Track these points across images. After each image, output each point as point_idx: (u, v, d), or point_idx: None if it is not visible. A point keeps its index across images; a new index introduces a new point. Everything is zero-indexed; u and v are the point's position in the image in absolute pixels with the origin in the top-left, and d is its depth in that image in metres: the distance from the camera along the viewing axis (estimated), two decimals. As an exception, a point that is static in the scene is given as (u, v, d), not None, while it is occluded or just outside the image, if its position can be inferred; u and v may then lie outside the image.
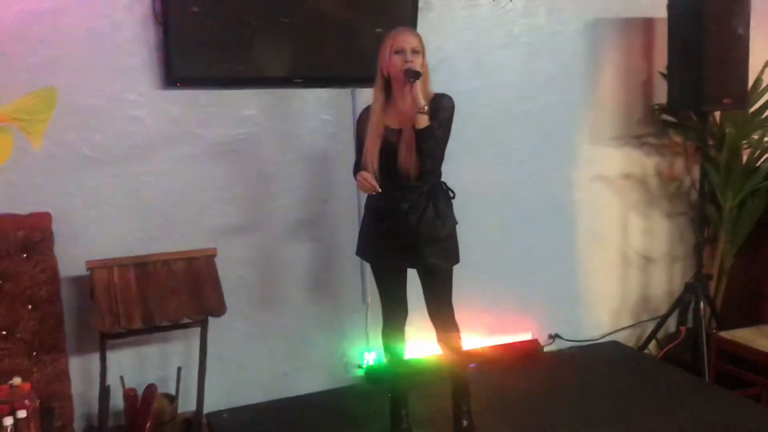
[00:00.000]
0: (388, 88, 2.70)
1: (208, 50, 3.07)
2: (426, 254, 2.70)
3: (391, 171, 2.65)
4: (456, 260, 2.79)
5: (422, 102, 2.55)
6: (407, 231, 2.68)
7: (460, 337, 2.88)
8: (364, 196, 3.23)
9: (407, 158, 2.61)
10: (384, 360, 3.06)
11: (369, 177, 2.63)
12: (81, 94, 2.96)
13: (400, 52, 2.60)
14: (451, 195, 2.79)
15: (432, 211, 2.69)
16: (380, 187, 2.64)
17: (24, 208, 2.87)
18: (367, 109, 2.78)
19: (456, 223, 2.79)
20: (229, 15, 3.07)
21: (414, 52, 2.60)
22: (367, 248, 2.88)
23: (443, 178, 2.78)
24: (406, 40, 2.61)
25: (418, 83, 2.55)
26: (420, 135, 2.56)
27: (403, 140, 2.62)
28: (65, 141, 2.97)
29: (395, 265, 2.83)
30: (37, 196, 2.92)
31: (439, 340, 2.86)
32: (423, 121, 2.55)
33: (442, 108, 2.64)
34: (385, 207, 2.73)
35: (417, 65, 2.58)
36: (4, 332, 2.76)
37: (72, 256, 2.92)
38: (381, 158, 2.66)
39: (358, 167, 2.76)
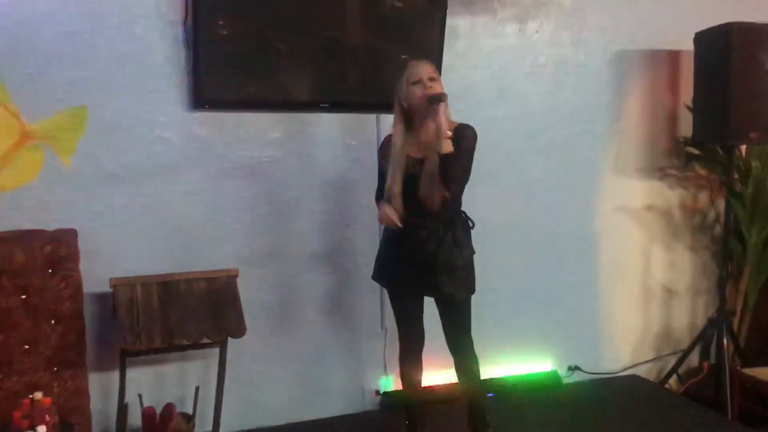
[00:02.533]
0: (407, 119, 2.72)
1: (236, 74, 3.12)
2: (442, 283, 2.69)
3: (411, 200, 2.66)
4: (472, 290, 2.77)
5: (446, 126, 2.56)
6: (424, 259, 2.68)
7: (478, 366, 2.86)
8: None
9: (429, 188, 2.61)
10: (401, 386, 3.04)
11: (391, 212, 2.65)
12: (111, 114, 3.02)
13: (417, 82, 2.63)
14: (471, 225, 2.79)
15: (450, 239, 2.68)
16: (401, 214, 2.66)
17: (51, 224, 2.91)
18: (388, 138, 2.80)
19: (474, 252, 2.78)
20: (257, 39, 3.12)
21: (431, 79, 2.64)
22: (383, 273, 2.88)
23: (464, 206, 2.78)
24: (421, 70, 2.65)
25: (442, 108, 2.56)
26: (445, 160, 2.56)
27: (426, 170, 2.63)
28: (94, 159, 3.02)
29: (411, 291, 2.83)
30: (64, 213, 2.97)
31: (457, 368, 2.85)
32: (448, 146, 2.56)
33: (465, 137, 2.64)
34: (403, 234, 2.71)
35: (438, 90, 2.61)
36: (27, 346, 2.79)
37: (96, 273, 2.95)
38: (402, 187, 2.68)
39: (380, 195, 2.78)
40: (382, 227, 2.88)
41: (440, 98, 2.56)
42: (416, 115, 2.69)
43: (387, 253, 2.86)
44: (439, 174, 2.58)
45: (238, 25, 3.06)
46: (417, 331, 2.91)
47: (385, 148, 2.80)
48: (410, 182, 2.66)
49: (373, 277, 2.94)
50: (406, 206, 2.68)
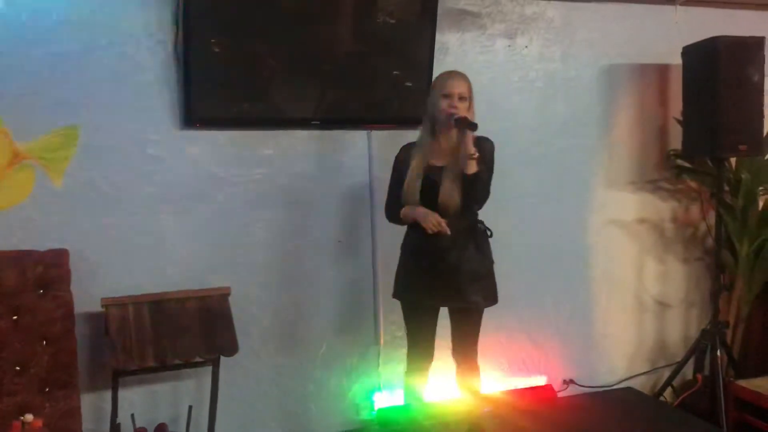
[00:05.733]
0: (432, 128, 2.77)
1: (228, 91, 3.13)
2: (468, 292, 2.72)
3: (431, 208, 2.68)
4: (495, 300, 2.81)
5: (473, 149, 2.61)
6: (449, 268, 2.70)
7: (479, 379, 2.87)
8: (379, 237, 3.25)
9: (449, 194, 2.65)
10: (403, 400, 3.01)
11: (439, 217, 2.65)
12: (102, 133, 3.02)
13: (448, 96, 2.67)
14: (489, 234, 2.81)
15: (473, 248, 2.73)
16: (420, 225, 2.68)
17: (42, 245, 2.90)
18: (407, 147, 2.82)
19: (493, 262, 2.82)
20: (248, 57, 3.13)
21: (461, 98, 2.68)
22: (406, 288, 2.85)
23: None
24: (455, 86, 2.70)
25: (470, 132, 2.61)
26: (470, 180, 2.62)
27: (446, 177, 2.66)
28: (85, 179, 3.01)
29: (435, 304, 2.82)
30: (55, 233, 2.96)
31: (459, 380, 2.85)
32: (473, 166, 2.61)
33: (486, 152, 2.71)
34: (425, 245, 2.73)
35: (462, 111, 2.65)
36: (18, 367, 2.77)
37: (87, 293, 2.94)
38: (422, 195, 2.70)
39: (394, 204, 2.78)
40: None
41: (471, 126, 2.60)
42: (439, 126, 2.73)
43: (409, 266, 2.84)
44: (462, 194, 2.64)
45: (229, 43, 3.07)
46: (430, 346, 2.89)
47: (403, 156, 2.82)
48: (429, 189, 2.69)
49: (395, 295, 2.90)
50: None
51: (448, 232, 2.64)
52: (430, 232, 2.65)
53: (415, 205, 2.71)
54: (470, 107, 2.72)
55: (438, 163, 2.73)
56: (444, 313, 2.88)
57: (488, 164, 2.73)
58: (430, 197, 2.68)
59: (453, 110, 2.65)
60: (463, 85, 2.71)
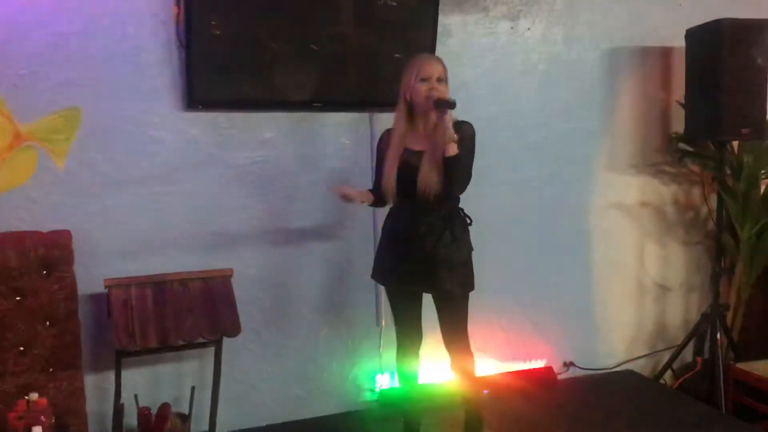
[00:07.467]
0: (409, 112, 2.73)
1: (230, 73, 3.12)
2: (442, 279, 2.69)
3: (409, 193, 2.66)
4: (471, 287, 2.78)
5: (452, 130, 2.57)
6: (424, 255, 2.68)
7: (474, 364, 2.86)
8: (380, 219, 3.25)
9: (428, 179, 2.62)
10: (397, 384, 3.04)
11: (350, 190, 2.74)
12: (104, 114, 3.01)
13: (426, 79, 2.63)
14: (468, 222, 2.79)
15: (449, 235, 2.69)
16: (398, 209, 2.70)
17: (45, 226, 2.91)
18: (388, 132, 2.81)
19: (472, 249, 2.79)
20: (250, 39, 3.11)
21: (439, 80, 2.64)
22: (382, 271, 2.88)
23: (460, 204, 2.80)
24: (432, 68, 2.65)
25: (450, 112, 2.57)
26: (450, 162, 2.57)
27: (425, 161, 2.63)
28: (87, 160, 3.01)
29: (410, 289, 2.83)
30: (58, 214, 2.96)
31: (453, 366, 2.85)
32: (453, 149, 2.57)
33: (466, 135, 2.65)
34: (401, 230, 2.74)
35: (442, 93, 2.61)
36: (22, 348, 2.78)
37: (90, 274, 2.95)
38: (400, 180, 2.68)
39: (377, 189, 2.79)
40: (379, 225, 2.89)
41: (450, 105, 2.56)
42: (418, 110, 2.69)
43: (386, 251, 2.85)
44: (442, 177, 2.60)
45: (231, 25, 3.06)
46: (415, 329, 2.91)
47: (384, 141, 2.80)
48: (408, 174, 2.66)
49: (372, 277, 2.94)
50: (403, 200, 2.70)
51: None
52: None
53: (391, 191, 2.70)
54: (446, 90, 2.68)
55: (416, 147, 2.69)
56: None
57: (468, 147, 2.66)
58: (408, 182, 2.66)
59: (433, 92, 2.61)
60: (440, 67, 2.67)
